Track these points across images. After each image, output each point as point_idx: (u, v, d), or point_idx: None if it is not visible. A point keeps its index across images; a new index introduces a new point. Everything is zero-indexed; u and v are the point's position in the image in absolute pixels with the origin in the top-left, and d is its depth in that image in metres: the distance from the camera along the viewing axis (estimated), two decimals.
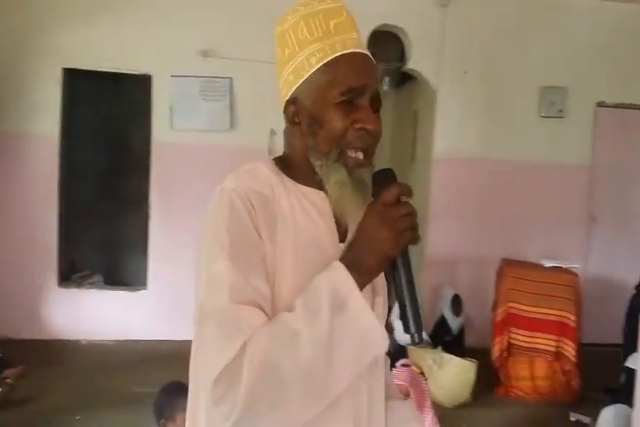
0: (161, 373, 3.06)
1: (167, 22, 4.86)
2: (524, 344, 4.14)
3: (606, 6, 5.26)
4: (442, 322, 4.63)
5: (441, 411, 2.81)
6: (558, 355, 4.07)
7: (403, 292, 0.88)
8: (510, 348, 4.19)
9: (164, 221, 5.00)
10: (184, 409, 2.27)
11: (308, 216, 0.98)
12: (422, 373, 2.73)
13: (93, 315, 4.90)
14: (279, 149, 4.37)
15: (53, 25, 4.76)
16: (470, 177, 5.25)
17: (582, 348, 4.14)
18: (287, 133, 1.05)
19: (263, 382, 0.80)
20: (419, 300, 0.89)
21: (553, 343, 4.06)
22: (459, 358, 3.88)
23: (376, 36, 4.90)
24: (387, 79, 5.63)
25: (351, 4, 1.06)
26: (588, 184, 5.45)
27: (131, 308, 4.98)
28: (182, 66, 4.90)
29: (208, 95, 4.94)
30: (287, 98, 1.01)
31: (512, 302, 4.19)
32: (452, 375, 3.82)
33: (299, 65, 0.98)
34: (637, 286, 3.64)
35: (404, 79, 5.95)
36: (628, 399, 2.81)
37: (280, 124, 4.19)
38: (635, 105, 5.37)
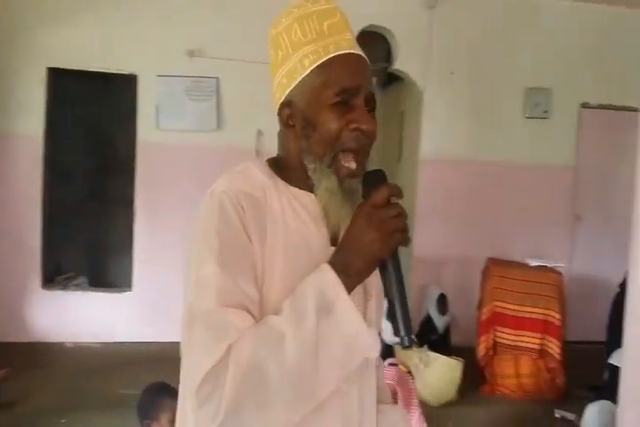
0: (147, 375, 3.04)
1: (153, 21, 4.84)
2: (509, 342, 4.17)
3: (591, 8, 5.32)
4: (428, 321, 4.66)
5: (427, 409, 2.82)
6: (543, 353, 4.12)
7: (392, 294, 0.87)
8: (496, 346, 4.22)
9: (150, 222, 4.97)
10: (168, 409, 2.28)
11: (299, 218, 0.97)
12: (409, 372, 2.74)
13: (78, 317, 4.86)
14: (266, 149, 4.40)
15: (37, 24, 4.72)
16: (456, 177, 5.28)
17: (566, 345, 4.19)
18: (281, 136, 1.04)
19: (248, 384, 0.81)
20: (409, 302, 0.88)
21: (538, 341, 4.11)
22: (445, 357, 3.90)
23: (363, 36, 4.92)
24: (374, 80, 5.64)
25: (338, 5, 1.06)
26: (573, 184, 5.51)
27: (116, 310, 4.94)
28: (168, 65, 4.87)
29: (195, 95, 4.92)
30: (281, 101, 1.00)
31: (497, 300, 4.23)
32: (438, 374, 3.84)
33: (292, 67, 0.98)
34: (621, 285, 3.68)
35: (391, 80, 5.98)
36: (611, 396, 2.84)
37: (267, 124, 4.22)
38: (618, 106, 5.44)
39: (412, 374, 2.73)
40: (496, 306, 4.22)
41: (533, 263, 4.46)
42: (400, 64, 5.21)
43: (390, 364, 2.68)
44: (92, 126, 5.75)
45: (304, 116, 0.97)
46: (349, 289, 0.86)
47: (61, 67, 4.81)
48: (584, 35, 5.34)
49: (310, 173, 0.97)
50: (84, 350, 4.69)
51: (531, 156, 5.39)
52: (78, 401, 3.63)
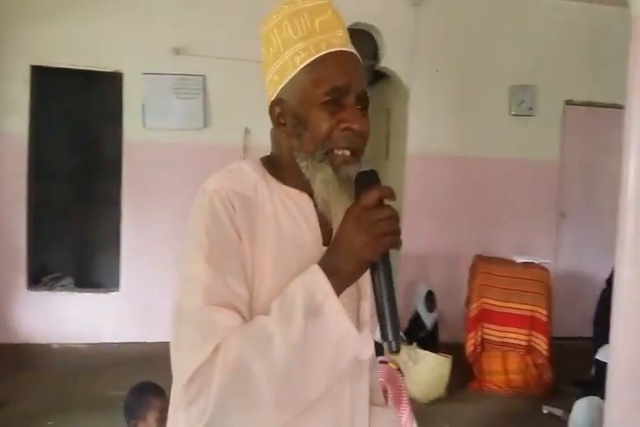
0: (135, 375, 3.01)
1: (138, 19, 4.79)
2: (496, 339, 4.20)
3: (575, 6, 5.37)
4: (416, 318, 4.68)
5: (416, 406, 2.84)
6: (530, 349, 4.15)
7: (381, 298, 0.86)
8: (483, 343, 4.25)
9: (137, 221, 4.94)
10: (155, 408, 2.28)
11: (291, 218, 0.97)
12: (399, 369, 2.75)
13: (65, 318, 4.82)
14: (254, 147, 4.37)
15: (21, 21, 4.66)
16: (443, 174, 5.31)
17: (553, 341, 4.23)
18: (273, 134, 1.03)
19: (234, 384, 0.80)
20: (397, 304, 0.87)
21: (525, 338, 4.14)
22: (434, 354, 3.92)
23: (350, 34, 4.91)
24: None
25: (331, 2, 1.05)
26: (558, 181, 5.56)
27: (103, 310, 4.90)
28: (154, 63, 4.83)
29: (181, 93, 4.88)
30: (272, 99, 0.99)
31: (485, 297, 4.25)
32: (427, 371, 3.86)
33: (283, 65, 0.96)
34: (608, 280, 3.72)
35: (377, 77, 5.98)
36: (598, 391, 2.88)
37: (254, 122, 4.22)
38: (602, 103, 5.50)
39: (401, 372, 2.75)
40: (484, 303, 4.24)
41: (520, 260, 4.49)
42: (386, 62, 5.22)
43: (380, 361, 2.69)
44: (77, 125, 5.69)
45: (295, 114, 0.96)
46: (339, 291, 0.86)
47: (46, 65, 4.76)
48: (569, 33, 5.39)
49: (304, 171, 0.96)
50: (70, 351, 4.65)
51: (516, 152, 5.43)
52: (65, 403, 3.60)
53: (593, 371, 3.61)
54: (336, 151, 0.94)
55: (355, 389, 1.01)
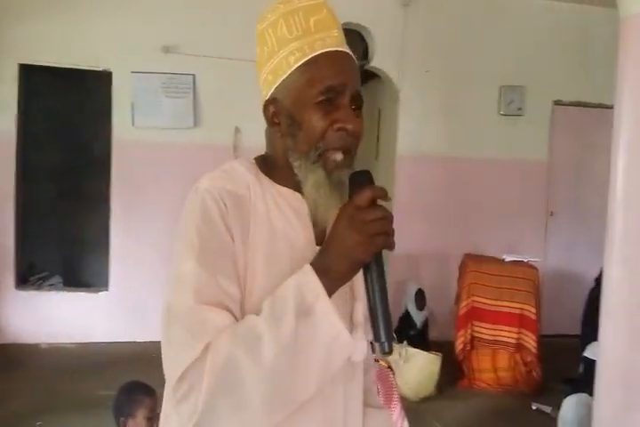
0: (124, 375, 3.00)
1: (127, 17, 4.76)
2: (486, 337, 4.23)
3: (564, 7, 5.41)
4: (406, 317, 4.70)
5: (406, 404, 2.84)
6: (519, 347, 4.18)
7: (374, 299, 0.86)
8: (473, 341, 4.28)
9: (126, 220, 4.91)
10: (144, 407, 2.29)
11: (283, 217, 0.97)
12: (390, 367, 2.76)
13: (53, 317, 4.78)
14: (244, 146, 4.36)
15: (8, 19, 4.61)
16: (432, 174, 5.33)
17: (542, 339, 4.26)
18: (268, 134, 1.03)
19: (224, 384, 0.80)
20: (390, 307, 0.87)
21: (514, 335, 4.17)
22: (424, 352, 3.94)
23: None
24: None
25: (326, 1, 1.06)
26: (546, 180, 5.60)
27: (92, 310, 4.87)
28: (143, 62, 4.81)
29: (170, 92, 4.86)
30: (267, 98, 0.99)
31: (475, 295, 4.28)
32: (417, 369, 3.88)
33: (277, 64, 0.96)
34: (597, 279, 3.75)
35: (368, 77, 5.99)
36: (587, 388, 2.91)
37: (244, 121, 4.21)
38: (590, 103, 5.55)
39: (392, 370, 2.75)
40: (473, 301, 4.27)
41: (509, 258, 4.52)
42: (377, 62, 5.23)
43: None
44: (66, 124, 5.64)
45: (289, 114, 0.95)
46: (331, 291, 0.85)
47: (34, 63, 4.72)
48: (557, 33, 5.43)
49: (296, 171, 0.96)
50: (59, 350, 4.62)
51: (505, 152, 5.47)
52: (54, 403, 3.58)
53: (581, 368, 3.64)
54: (329, 154, 0.94)
55: (348, 390, 1.01)
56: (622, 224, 2.48)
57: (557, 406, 3.35)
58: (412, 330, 4.60)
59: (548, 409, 3.72)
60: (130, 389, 2.38)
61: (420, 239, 5.16)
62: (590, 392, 2.69)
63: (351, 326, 0.96)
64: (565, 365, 4.19)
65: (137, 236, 4.89)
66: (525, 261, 4.50)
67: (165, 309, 0.88)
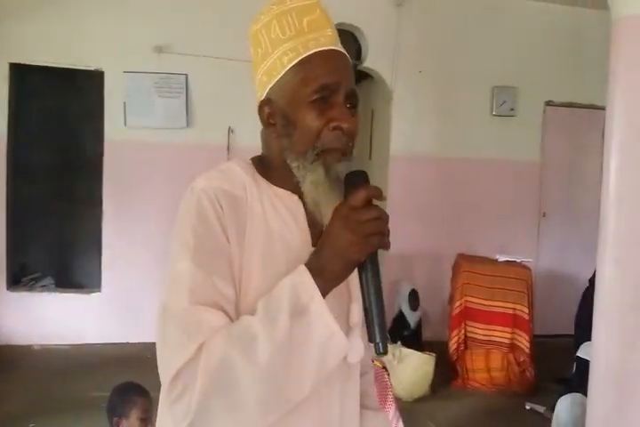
0: (118, 376, 2.99)
1: (120, 16, 4.74)
2: (479, 337, 4.24)
3: (557, 9, 5.44)
4: (400, 317, 4.71)
5: (400, 405, 2.85)
6: (513, 347, 4.20)
7: (369, 299, 0.86)
8: (467, 341, 4.29)
9: (118, 221, 4.89)
10: (138, 408, 2.29)
11: (279, 218, 0.96)
12: (385, 368, 2.76)
13: (45, 319, 4.75)
14: (238, 147, 4.34)
15: (0, 18, 4.58)
16: (425, 174, 5.34)
17: (535, 339, 4.28)
18: (263, 135, 1.02)
19: (218, 384, 0.80)
20: (385, 307, 0.87)
21: (508, 335, 4.19)
22: (418, 353, 3.95)
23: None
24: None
25: (319, 1, 1.05)
26: (538, 181, 5.63)
27: (84, 311, 4.84)
28: (136, 62, 4.79)
29: (163, 92, 4.84)
30: (261, 99, 0.99)
31: (468, 295, 4.29)
32: (411, 369, 3.88)
33: (272, 65, 0.96)
34: (591, 280, 3.77)
35: (361, 78, 6.00)
36: (580, 388, 2.92)
37: (237, 121, 4.19)
38: (582, 104, 5.58)
39: (387, 370, 2.75)
40: (467, 301, 4.29)
41: (502, 259, 4.54)
42: (370, 62, 5.23)
43: None
44: (57, 124, 5.61)
45: (284, 114, 0.95)
46: (325, 292, 0.85)
47: (25, 62, 4.68)
48: (550, 34, 5.46)
49: (295, 171, 0.95)
50: (52, 352, 4.59)
51: (497, 153, 5.49)
52: (47, 405, 3.56)
53: (574, 368, 3.66)
54: (327, 152, 0.94)
55: (344, 390, 1.01)
56: (615, 225, 2.49)
57: (551, 406, 3.36)
58: (406, 330, 4.61)
59: (541, 409, 3.74)
60: (124, 389, 2.38)
61: (413, 239, 5.17)
62: (583, 392, 2.71)
63: (347, 328, 0.96)
64: (558, 365, 4.21)
65: (129, 236, 4.87)
66: (518, 261, 4.52)
67: (161, 309, 0.88)
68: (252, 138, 1.06)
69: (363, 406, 1.10)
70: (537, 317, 4.40)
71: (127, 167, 4.87)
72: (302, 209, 0.98)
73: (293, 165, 0.95)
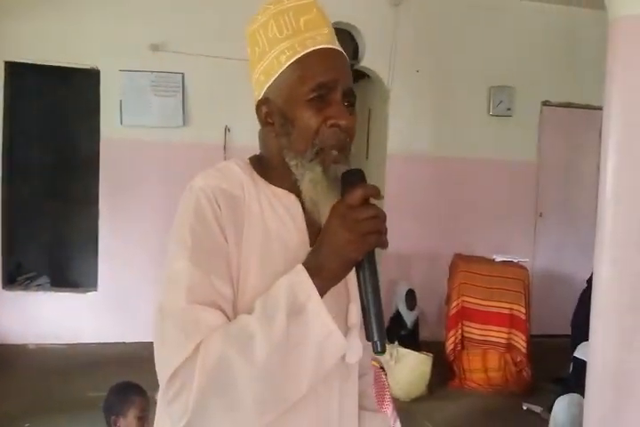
0: (114, 376, 2.98)
1: (115, 15, 4.72)
2: (476, 337, 4.24)
3: (553, 9, 5.45)
4: (397, 317, 4.70)
5: (398, 405, 2.84)
6: (509, 347, 4.20)
7: (367, 298, 0.85)
8: (464, 341, 4.29)
9: (115, 220, 4.87)
10: (136, 407, 2.29)
11: (277, 217, 0.96)
12: (382, 368, 2.76)
13: (41, 318, 4.74)
14: (234, 146, 4.33)
15: None
16: (422, 174, 5.34)
17: (531, 339, 4.27)
18: (261, 134, 1.02)
19: (215, 383, 0.80)
20: (382, 306, 0.87)
21: (504, 335, 4.19)
22: (415, 353, 3.95)
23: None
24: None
25: (316, 0, 1.05)
26: (535, 181, 5.63)
27: (80, 310, 4.83)
28: (131, 60, 4.77)
29: (159, 91, 4.83)
30: (259, 98, 0.99)
31: (465, 295, 4.29)
32: (408, 369, 3.88)
33: (269, 64, 0.96)
34: (588, 281, 3.78)
35: (358, 77, 5.99)
36: (576, 388, 2.92)
37: (234, 120, 4.18)
38: (579, 104, 5.59)
39: (384, 370, 2.75)
40: (464, 301, 4.29)
41: (499, 259, 4.54)
42: (367, 62, 5.23)
43: None
44: (53, 122, 5.58)
45: (282, 113, 0.95)
46: (323, 291, 0.85)
47: (20, 60, 4.66)
48: (547, 35, 5.46)
49: (293, 169, 0.95)
50: (47, 351, 4.57)
51: (494, 153, 5.49)
52: (43, 404, 3.55)
53: (570, 368, 3.66)
54: (326, 151, 0.94)
55: (343, 391, 1.00)
56: (612, 225, 2.49)
57: (548, 407, 3.37)
58: (403, 330, 4.61)
59: (538, 409, 3.74)
60: (121, 388, 2.38)
61: (410, 239, 5.17)
62: (580, 392, 2.70)
63: (346, 329, 0.95)
64: (555, 365, 4.22)
65: (125, 235, 4.85)
66: (515, 261, 4.52)
67: (158, 308, 0.88)
68: (248, 137, 1.05)
69: (361, 407, 1.09)
70: (534, 317, 4.40)
71: (123, 166, 4.85)
72: (300, 208, 0.98)
73: (292, 163, 0.95)
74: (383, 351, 0.85)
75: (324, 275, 0.85)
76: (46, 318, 4.74)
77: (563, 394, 3.07)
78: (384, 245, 0.85)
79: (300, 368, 0.83)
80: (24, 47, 4.62)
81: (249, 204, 0.94)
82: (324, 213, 0.93)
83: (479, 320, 4.24)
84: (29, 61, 4.66)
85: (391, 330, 4.51)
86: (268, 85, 0.97)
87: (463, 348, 4.27)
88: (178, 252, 0.89)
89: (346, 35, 5.24)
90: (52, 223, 5.59)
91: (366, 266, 0.86)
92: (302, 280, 0.84)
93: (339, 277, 0.87)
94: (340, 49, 0.98)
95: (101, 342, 4.73)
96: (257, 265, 0.91)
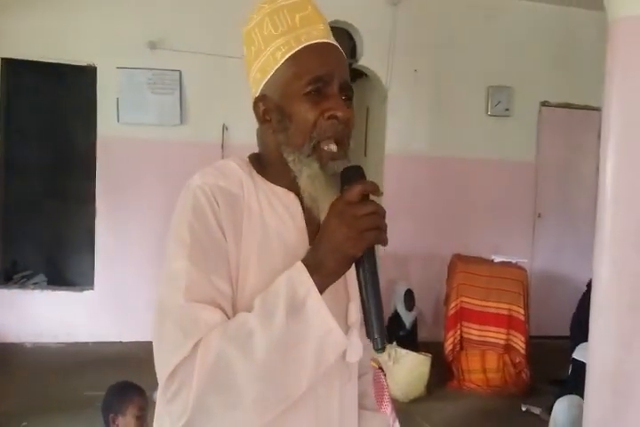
0: (111, 375, 2.98)
1: (113, 11, 4.70)
2: (475, 338, 4.23)
3: (552, 10, 5.45)
4: (395, 317, 4.69)
5: (396, 406, 2.84)
6: (508, 348, 4.19)
7: (366, 295, 0.85)
8: (462, 341, 4.28)
9: (111, 218, 4.85)
10: (135, 406, 2.30)
11: (276, 215, 0.96)
12: (381, 368, 2.75)
13: (38, 316, 4.72)
14: (232, 144, 4.32)
15: None
16: (420, 173, 5.33)
17: (530, 340, 4.26)
18: (259, 132, 1.02)
19: (214, 381, 0.79)
20: (382, 303, 0.86)
21: (503, 336, 4.18)
22: (413, 353, 3.94)
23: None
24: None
25: None
26: (534, 181, 5.63)
27: (77, 309, 4.81)
28: (129, 57, 4.75)
29: (157, 88, 4.81)
30: (256, 95, 0.99)
31: (464, 296, 4.28)
32: (406, 370, 3.87)
33: (265, 61, 0.96)
34: (589, 284, 3.77)
35: (356, 76, 5.98)
36: (575, 390, 2.91)
37: (231, 118, 4.16)
38: (577, 105, 5.59)
39: (383, 371, 2.74)
40: (462, 302, 4.27)
41: (498, 259, 4.53)
42: (365, 61, 5.22)
43: None
44: (49, 120, 5.56)
45: (279, 108, 0.95)
46: (322, 288, 0.84)
47: (17, 57, 4.64)
48: (545, 35, 5.46)
49: (291, 165, 0.95)
50: (44, 350, 4.56)
51: (493, 153, 5.49)
52: (40, 404, 3.54)
53: (569, 370, 3.65)
54: (323, 146, 0.94)
55: (343, 390, 1.00)
56: (611, 226, 2.48)
57: (547, 408, 3.36)
58: (402, 331, 4.59)
59: (537, 410, 3.73)
60: (121, 387, 2.39)
61: (408, 239, 5.15)
62: (579, 394, 2.70)
63: (345, 328, 0.95)
64: (554, 366, 4.21)
65: (122, 234, 4.83)
66: (514, 262, 4.52)
67: (157, 306, 0.87)
68: (246, 136, 1.04)
69: (361, 407, 1.10)
70: (532, 318, 4.40)
71: (120, 164, 4.83)
72: (299, 206, 0.98)
73: (290, 158, 0.95)
74: (383, 349, 0.85)
75: (323, 271, 0.85)
76: (43, 316, 4.72)
77: (561, 396, 3.06)
78: (384, 241, 0.84)
79: (301, 365, 0.83)
80: (21, 44, 4.59)
81: (248, 202, 0.94)
82: (323, 210, 0.93)
83: (478, 321, 4.23)
84: (26, 58, 4.64)
85: (390, 330, 4.49)
86: (264, 82, 0.97)
87: (462, 349, 4.26)
88: (176, 250, 0.88)
89: (344, 34, 5.22)
90: (49, 221, 5.56)
91: (366, 263, 0.86)
92: (302, 277, 0.84)
93: (338, 273, 0.87)
94: (336, 43, 0.98)
95: (98, 341, 4.71)
96: (256, 263, 0.91)
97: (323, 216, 0.92)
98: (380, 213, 0.84)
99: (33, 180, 5.44)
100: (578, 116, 5.62)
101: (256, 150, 1.04)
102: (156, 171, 4.79)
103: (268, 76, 0.96)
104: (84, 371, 4.06)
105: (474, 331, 4.24)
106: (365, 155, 5.95)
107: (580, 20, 5.42)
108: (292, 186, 0.96)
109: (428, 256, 5.26)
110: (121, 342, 4.65)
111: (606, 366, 2.44)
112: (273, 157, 0.98)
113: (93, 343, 4.69)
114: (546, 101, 5.61)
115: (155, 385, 0.86)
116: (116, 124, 4.79)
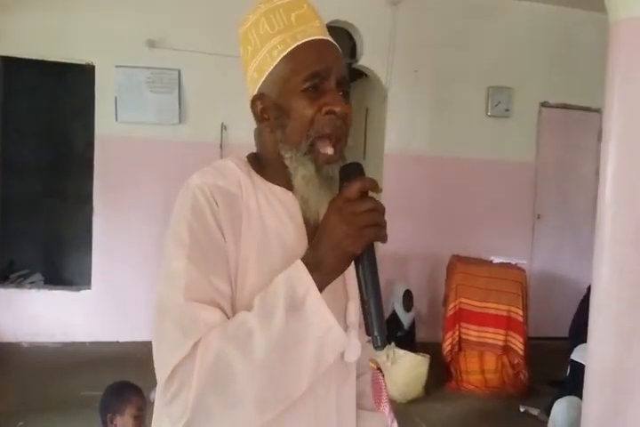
0: (108, 375, 2.96)
1: (111, 9, 4.68)
2: (474, 339, 4.22)
3: (552, 10, 5.43)
4: (394, 318, 4.68)
5: (394, 406, 2.84)
6: (507, 349, 4.18)
7: (366, 292, 0.85)
8: (461, 342, 4.27)
9: (109, 217, 4.83)
10: (132, 406, 2.29)
11: (275, 215, 0.96)
12: (379, 368, 2.74)
13: (34, 316, 4.70)
14: (231, 144, 4.31)
15: None
16: (420, 174, 5.32)
17: (529, 341, 4.25)
18: (257, 131, 1.02)
19: (214, 381, 0.79)
20: (382, 301, 0.86)
21: (502, 337, 4.17)
22: (412, 354, 3.93)
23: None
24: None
25: None
26: (533, 182, 5.62)
27: (74, 308, 4.79)
28: (127, 56, 4.73)
29: (155, 87, 4.79)
30: (253, 94, 0.99)
31: (462, 297, 4.27)
32: (404, 371, 3.86)
33: (262, 60, 0.96)
34: (589, 288, 3.75)
35: (355, 76, 5.97)
36: (573, 391, 2.91)
37: (230, 118, 4.14)
38: (577, 106, 5.59)
39: (382, 371, 2.73)
40: (461, 302, 4.26)
41: (497, 260, 4.52)
42: (365, 61, 5.21)
43: None
44: (47, 118, 5.55)
45: (276, 106, 0.95)
46: (322, 286, 0.84)
47: (15, 56, 4.62)
48: (545, 36, 5.46)
49: (287, 163, 0.95)
50: (41, 350, 4.54)
51: (492, 153, 5.48)
52: (37, 404, 3.52)
53: (568, 371, 3.64)
54: (319, 147, 0.93)
55: (341, 390, 1.00)
56: (611, 226, 2.48)
57: (545, 409, 3.35)
58: (400, 331, 4.58)
59: (535, 411, 3.73)
60: (119, 387, 2.39)
61: (407, 239, 5.14)
62: (577, 395, 2.70)
63: (345, 327, 0.94)
64: (552, 367, 4.20)
65: (120, 233, 4.81)
66: (513, 263, 4.51)
67: (156, 306, 0.87)
68: (245, 135, 1.04)
69: (360, 407, 1.10)
70: (531, 319, 4.39)
71: (118, 163, 4.81)
72: (298, 206, 0.98)
73: (287, 156, 0.95)
74: (383, 346, 0.85)
75: (322, 269, 0.84)
76: (40, 316, 4.70)
77: (560, 397, 3.05)
78: (383, 238, 0.84)
79: (300, 364, 0.83)
80: (19, 42, 4.57)
81: (246, 201, 0.94)
82: (315, 211, 0.94)
83: (476, 322, 4.22)
84: (24, 57, 4.62)
85: (388, 331, 4.47)
86: (262, 81, 0.97)
87: (460, 349, 4.25)
88: (175, 250, 0.88)
89: (343, 34, 5.22)
90: (46, 220, 5.55)
91: (365, 260, 0.86)
92: (301, 275, 0.84)
93: (338, 271, 0.86)
94: (332, 40, 0.98)
95: (95, 340, 4.69)
96: (255, 262, 0.91)
97: (316, 217, 0.92)
98: (379, 210, 0.84)
99: (30, 178, 5.44)
100: (577, 116, 5.62)
101: (254, 150, 1.04)
102: (155, 170, 4.77)
103: (265, 75, 0.96)
104: (81, 371, 4.05)
105: (472, 332, 4.23)
106: (365, 155, 5.94)
107: (581, 20, 5.41)
108: (290, 185, 0.96)
109: (426, 257, 5.25)
110: (118, 341, 4.63)
111: (606, 364, 2.44)
112: (271, 156, 0.98)
113: (90, 343, 4.68)
114: (546, 102, 5.61)
115: (152, 385, 0.85)
116: (114, 123, 4.77)
